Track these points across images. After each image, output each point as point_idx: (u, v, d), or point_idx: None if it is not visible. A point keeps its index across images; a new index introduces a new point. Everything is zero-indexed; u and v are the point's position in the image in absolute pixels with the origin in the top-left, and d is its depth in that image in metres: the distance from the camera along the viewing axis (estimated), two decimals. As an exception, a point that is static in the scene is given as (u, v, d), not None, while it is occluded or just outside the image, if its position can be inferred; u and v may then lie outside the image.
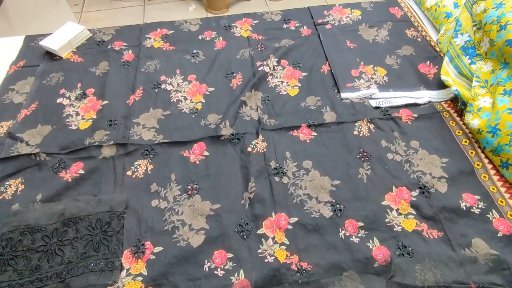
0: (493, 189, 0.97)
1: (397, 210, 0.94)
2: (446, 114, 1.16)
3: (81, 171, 1.01)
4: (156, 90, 1.24)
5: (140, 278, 0.83)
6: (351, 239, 0.89)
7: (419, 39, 1.41)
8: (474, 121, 1.05)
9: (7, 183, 0.99)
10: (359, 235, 0.89)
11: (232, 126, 1.12)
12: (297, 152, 1.06)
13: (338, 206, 0.94)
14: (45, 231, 0.88)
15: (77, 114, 1.17)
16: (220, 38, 1.44)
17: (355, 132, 1.11)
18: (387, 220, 0.92)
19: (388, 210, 0.94)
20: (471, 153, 1.05)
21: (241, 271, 0.83)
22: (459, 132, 1.11)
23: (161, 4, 2.59)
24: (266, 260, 0.85)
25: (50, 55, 1.36)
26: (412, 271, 0.82)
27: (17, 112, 1.17)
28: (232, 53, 1.37)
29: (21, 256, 0.84)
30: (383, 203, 0.95)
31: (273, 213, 0.93)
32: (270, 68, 1.30)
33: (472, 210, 0.93)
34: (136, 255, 0.86)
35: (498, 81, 1.07)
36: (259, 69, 1.30)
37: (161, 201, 0.96)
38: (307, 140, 1.10)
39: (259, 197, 0.95)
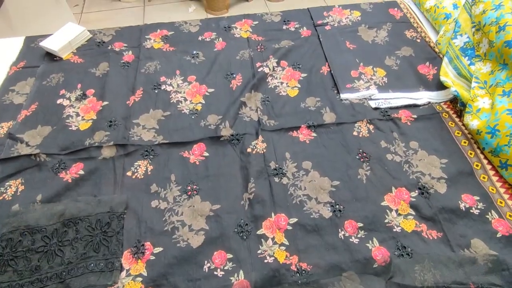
0: (492, 189, 0.98)
1: (396, 210, 0.94)
2: (446, 115, 1.16)
3: (81, 172, 1.01)
4: (156, 91, 1.24)
5: (140, 279, 0.83)
6: (350, 239, 0.89)
7: (419, 40, 1.42)
8: (473, 122, 1.06)
9: (7, 183, 0.99)
10: (359, 235, 0.89)
11: (232, 127, 1.13)
12: (296, 152, 1.06)
13: (337, 206, 0.95)
14: (45, 232, 0.88)
15: (77, 115, 1.17)
16: (220, 39, 1.44)
17: (355, 133, 1.11)
18: (386, 221, 0.92)
19: (387, 210, 0.94)
20: (470, 153, 1.06)
21: (241, 272, 0.84)
22: (458, 133, 1.11)
23: (161, 5, 2.60)
24: (265, 261, 0.85)
25: (50, 56, 1.36)
26: (412, 271, 0.82)
27: (17, 112, 1.17)
28: (232, 54, 1.37)
29: (21, 257, 0.84)
30: (382, 203, 0.95)
31: (272, 214, 0.93)
32: (269, 69, 1.31)
33: (471, 210, 0.93)
34: (136, 255, 0.86)
35: (497, 82, 1.07)
36: (259, 70, 1.30)
37: (161, 202, 0.96)
38: (307, 141, 1.10)
39: (258, 198, 0.95)
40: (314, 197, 0.97)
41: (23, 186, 0.99)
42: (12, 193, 0.97)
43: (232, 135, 1.10)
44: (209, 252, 0.87)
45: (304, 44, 1.41)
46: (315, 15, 1.54)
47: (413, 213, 0.94)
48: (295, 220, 0.92)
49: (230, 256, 0.86)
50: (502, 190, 0.97)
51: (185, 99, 1.22)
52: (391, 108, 1.18)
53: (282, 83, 1.27)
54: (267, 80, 1.28)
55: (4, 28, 1.79)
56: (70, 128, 1.13)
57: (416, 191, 0.97)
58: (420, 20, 1.52)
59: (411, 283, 0.80)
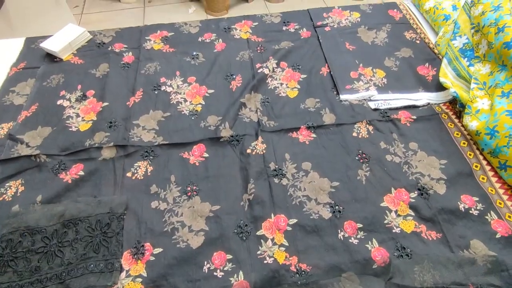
0: (492, 190, 0.98)
1: (396, 211, 0.94)
2: (445, 116, 1.16)
3: (81, 173, 1.02)
4: (156, 92, 1.24)
5: (139, 280, 0.83)
6: (350, 240, 0.89)
7: (418, 41, 1.42)
8: (472, 123, 1.06)
9: (7, 184, 0.99)
10: (358, 236, 0.90)
11: (232, 127, 1.13)
12: (296, 153, 1.07)
13: (337, 207, 0.95)
14: (45, 233, 0.88)
15: (77, 115, 1.17)
16: (220, 40, 1.44)
17: (354, 134, 1.11)
18: (386, 222, 0.92)
19: (387, 211, 0.94)
20: (470, 154, 1.06)
21: (240, 273, 0.84)
22: (457, 134, 1.11)
23: (161, 6, 2.60)
24: (265, 262, 0.85)
25: (51, 57, 1.37)
26: (411, 272, 0.82)
27: (17, 113, 1.17)
28: (231, 55, 1.38)
29: (21, 258, 0.84)
30: (382, 204, 0.95)
31: (272, 215, 0.93)
32: (269, 70, 1.31)
33: (470, 211, 0.93)
34: (135, 256, 0.86)
35: (496, 83, 1.07)
36: (259, 71, 1.30)
37: (160, 203, 0.96)
38: (306, 141, 1.10)
39: (258, 199, 0.96)
40: (313, 198, 0.97)
41: (23, 187, 0.99)
42: (12, 194, 0.97)
43: (232, 136, 1.10)
44: (209, 252, 0.87)
45: (303, 45, 1.41)
46: (314, 16, 1.54)
47: (413, 214, 0.94)
48: (295, 221, 0.92)
49: (229, 257, 0.87)
50: (501, 191, 0.97)
51: (185, 100, 1.22)
52: (390, 109, 1.18)
53: (281, 84, 1.28)
54: (267, 81, 1.28)
55: (5, 29, 1.80)
56: (70, 129, 1.13)
57: (416, 192, 0.98)
58: (420, 21, 1.53)
59: (411, 284, 0.80)
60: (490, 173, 1.01)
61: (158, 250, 0.88)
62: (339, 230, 0.91)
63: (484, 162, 1.03)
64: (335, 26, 1.50)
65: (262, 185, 0.99)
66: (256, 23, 1.52)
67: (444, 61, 1.25)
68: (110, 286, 0.81)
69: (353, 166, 1.03)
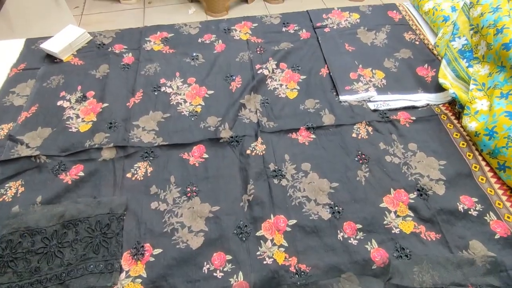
0: (491, 191, 0.98)
1: (395, 212, 0.94)
2: (444, 117, 1.17)
3: (81, 174, 1.02)
4: (156, 93, 1.25)
5: (139, 280, 0.83)
6: (349, 241, 0.89)
7: (417, 43, 1.42)
8: (471, 123, 1.06)
9: (7, 185, 0.99)
10: (358, 237, 0.90)
11: (232, 128, 1.13)
12: (296, 154, 1.07)
13: (336, 208, 0.95)
14: (45, 233, 0.88)
15: (77, 116, 1.17)
16: (220, 41, 1.45)
17: (354, 135, 1.12)
18: (385, 222, 0.92)
19: (386, 212, 0.94)
20: (469, 155, 1.06)
21: (240, 273, 0.84)
22: (456, 135, 1.11)
23: (161, 7, 2.61)
24: (264, 262, 0.85)
25: (51, 58, 1.37)
26: (410, 273, 0.82)
27: (17, 114, 1.17)
28: (231, 56, 1.38)
29: (20, 258, 0.84)
30: (381, 205, 0.96)
31: (272, 215, 0.93)
32: (269, 71, 1.31)
33: (469, 212, 0.94)
34: (135, 257, 0.87)
35: (495, 84, 1.07)
36: (258, 72, 1.31)
37: (160, 203, 0.97)
38: (306, 142, 1.10)
39: (258, 200, 0.96)
40: (313, 199, 0.97)
41: (23, 188, 0.99)
42: (12, 194, 0.97)
43: (232, 137, 1.11)
44: (209, 253, 0.87)
45: (303, 46, 1.42)
46: (314, 18, 1.55)
47: (412, 214, 0.94)
48: (294, 221, 0.92)
49: (229, 257, 0.87)
50: (500, 192, 0.97)
51: (185, 101, 1.23)
52: (390, 110, 1.19)
53: (281, 85, 1.28)
54: (267, 82, 1.28)
55: (5, 30, 1.80)
56: (70, 130, 1.13)
57: (415, 193, 0.98)
58: (419, 22, 1.53)
59: (410, 284, 0.80)
60: (489, 174, 1.01)
61: (158, 251, 0.88)
62: (338, 231, 0.91)
63: (483, 163, 1.04)
64: (335, 27, 1.50)
65: (261, 185, 0.99)
66: (256, 24, 1.53)
67: (443, 62, 1.26)
68: (110, 286, 0.81)
69: (352, 167, 1.04)
